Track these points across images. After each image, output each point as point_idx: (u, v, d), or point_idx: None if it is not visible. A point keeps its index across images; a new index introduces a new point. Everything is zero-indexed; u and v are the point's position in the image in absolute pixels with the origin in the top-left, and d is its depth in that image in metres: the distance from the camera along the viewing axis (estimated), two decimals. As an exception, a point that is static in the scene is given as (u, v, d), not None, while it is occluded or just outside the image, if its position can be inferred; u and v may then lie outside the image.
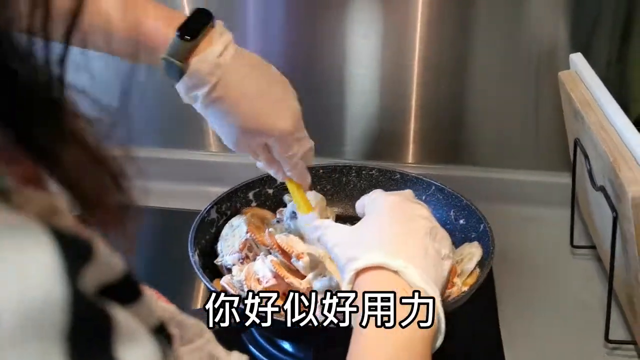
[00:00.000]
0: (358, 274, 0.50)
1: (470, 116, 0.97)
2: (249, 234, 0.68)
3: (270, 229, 0.69)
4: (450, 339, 0.51)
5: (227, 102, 0.60)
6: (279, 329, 0.63)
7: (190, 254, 0.68)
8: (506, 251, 0.82)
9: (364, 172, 0.88)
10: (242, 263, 0.65)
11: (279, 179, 0.70)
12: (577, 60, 0.81)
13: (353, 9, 0.92)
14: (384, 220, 0.54)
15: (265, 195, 0.84)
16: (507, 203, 0.93)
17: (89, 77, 0.28)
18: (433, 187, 0.83)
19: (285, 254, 0.64)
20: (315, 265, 0.64)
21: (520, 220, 0.91)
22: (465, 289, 0.66)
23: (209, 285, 0.63)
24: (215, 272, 0.73)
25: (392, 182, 0.87)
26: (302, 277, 0.65)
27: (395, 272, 0.49)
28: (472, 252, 0.72)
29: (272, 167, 0.68)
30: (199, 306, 0.78)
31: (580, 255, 0.85)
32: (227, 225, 0.75)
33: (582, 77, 0.78)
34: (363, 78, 0.96)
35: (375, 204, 0.57)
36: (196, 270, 0.66)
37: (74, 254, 0.23)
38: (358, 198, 0.87)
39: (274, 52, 0.97)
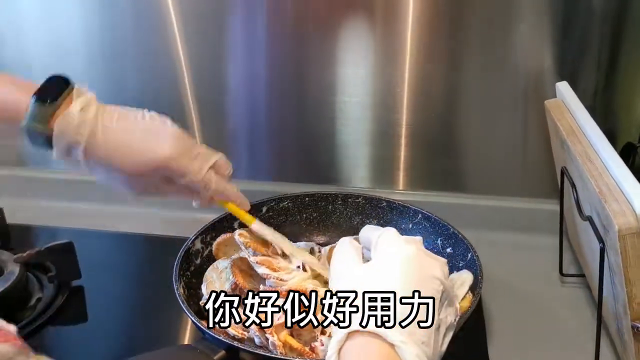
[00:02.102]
0: (351, 334, 0.46)
1: (459, 144, 0.97)
2: (236, 280, 0.67)
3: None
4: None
5: (104, 154, 0.61)
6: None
7: (175, 286, 0.67)
8: (495, 279, 0.81)
9: (350, 199, 0.88)
10: None
11: (205, 205, 0.69)
12: (563, 89, 0.81)
13: (343, 37, 0.92)
14: (395, 277, 0.48)
15: (252, 223, 0.84)
16: (496, 230, 0.93)
17: None
18: (420, 215, 0.83)
19: None
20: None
21: (509, 247, 0.91)
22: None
23: (194, 320, 0.62)
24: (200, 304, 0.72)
25: (378, 209, 0.87)
26: None
27: (392, 344, 0.44)
28: (464, 278, 0.71)
29: (188, 196, 0.68)
30: (186, 340, 0.77)
31: (570, 283, 0.85)
32: (210, 267, 0.74)
33: (568, 105, 0.79)
34: (352, 105, 0.97)
35: (387, 250, 0.51)
36: (181, 304, 0.65)
37: None
38: (344, 226, 0.88)
39: (262, 79, 0.98)
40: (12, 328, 0.36)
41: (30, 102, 0.58)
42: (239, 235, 0.72)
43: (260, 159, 1.02)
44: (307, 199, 0.87)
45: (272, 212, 0.86)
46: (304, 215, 0.86)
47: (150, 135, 0.62)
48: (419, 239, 0.53)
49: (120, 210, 1.04)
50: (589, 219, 0.66)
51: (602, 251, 0.63)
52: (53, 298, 0.81)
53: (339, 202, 0.87)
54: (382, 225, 0.84)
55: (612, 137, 0.74)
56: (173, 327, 0.79)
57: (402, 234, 0.82)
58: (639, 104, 0.88)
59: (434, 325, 0.47)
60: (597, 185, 0.62)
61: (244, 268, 0.68)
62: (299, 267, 0.68)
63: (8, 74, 0.63)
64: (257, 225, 0.71)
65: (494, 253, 0.81)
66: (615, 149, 0.67)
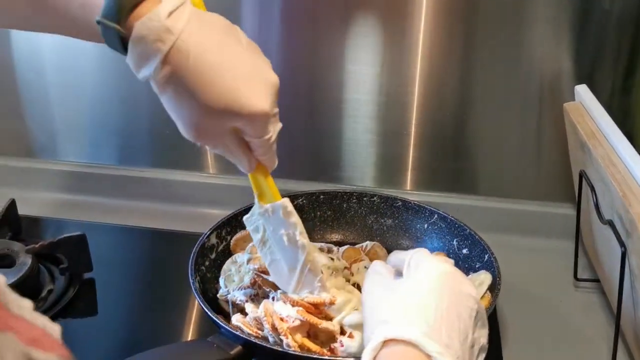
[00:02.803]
0: (386, 342, 0.45)
1: (471, 145, 0.97)
2: (255, 277, 0.67)
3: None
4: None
5: (186, 77, 0.49)
6: (277, 359, 0.61)
7: (191, 281, 0.67)
8: (508, 283, 0.80)
9: (365, 198, 0.87)
10: (252, 299, 0.64)
11: (246, 170, 0.60)
12: (583, 92, 0.81)
13: (353, 34, 0.91)
14: (432, 291, 0.48)
15: (266, 220, 0.83)
16: (507, 233, 0.92)
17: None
18: (436, 216, 0.83)
19: (313, 305, 0.63)
20: (345, 303, 0.63)
21: (522, 251, 0.90)
22: None
23: (211, 315, 0.61)
24: (214, 299, 0.71)
25: (393, 209, 0.86)
26: (330, 317, 0.64)
27: (428, 355, 0.44)
28: (482, 278, 0.72)
29: (239, 156, 0.57)
30: (190, 335, 0.76)
31: (584, 288, 0.84)
32: (229, 260, 0.74)
33: (588, 108, 0.78)
34: (362, 104, 0.96)
35: (422, 267, 0.51)
36: (197, 299, 0.64)
37: None
38: (358, 225, 0.88)
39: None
40: (56, 330, 0.32)
41: None
42: (248, 262, 0.70)
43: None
44: (322, 196, 0.87)
45: (286, 209, 0.85)
46: (318, 213, 0.86)
47: (252, 77, 0.52)
48: (451, 260, 0.54)
49: (131, 204, 1.04)
50: (610, 223, 0.66)
51: (624, 255, 0.62)
52: (64, 290, 0.80)
53: (354, 201, 0.87)
54: (398, 225, 0.85)
55: (630, 139, 0.73)
56: (185, 322, 0.78)
57: (417, 234, 0.84)
58: (656, 107, 0.88)
59: (468, 342, 0.46)
60: (621, 189, 0.62)
61: (263, 263, 0.68)
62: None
63: None
64: (287, 201, 0.62)
65: (507, 256, 0.80)
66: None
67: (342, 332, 0.62)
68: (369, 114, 0.97)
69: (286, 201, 0.61)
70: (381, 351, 0.45)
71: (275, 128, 0.57)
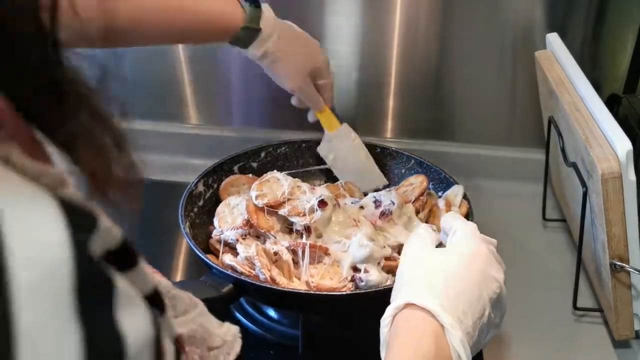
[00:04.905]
0: (408, 304, 0.50)
1: (448, 93, 1.00)
2: (249, 217, 0.71)
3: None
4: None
5: (285, 48, 0.79)
6: (267, 295, 0.65)
7: (182, 226, 0.70)
8: (482, 224, 0.84)
9: (346, 146, 0.90)
10: (244, 239, 0.67)
11: (319, 109, 0.86)
12: (553, 40, 0.84)
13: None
14: (461, 268, 0.52)
15: (250, 168, 0.86)
16: (483, 178, 0.97)
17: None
18: (412, 161, 0.86)
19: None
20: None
21: (496, 194, 0.95)
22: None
23: (202, 256, 0.65)
24: (203, 243, 0.75)
25: (372, 155, 0.89)
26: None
27: (442, 325, 0.48)
28: (456, 190, 0.80)
29: (315, 96, 0.85)
30: (179, 278, 0.80)
31: (552, 227, 0.89)
32: (222, 203, 0.77)
33: (557, 57, 0.81)
34: (343, 54, 0.98)
35: (462, 243, 0.55)
36: (188, 241, 0.67)
37: (81, 221, 0.25)
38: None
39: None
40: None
41: (248, 8, 0.75)
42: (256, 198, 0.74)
43: (255, 106, 1.04)
44: (303, 145, 0.90)
45: (270, 157, 0.88)
46: (301, 161, 0.89)
47: (315, 44, 0.84)
48: (494, 241, 0.58)
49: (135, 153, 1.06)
50: (574, 165, 0.70)
51: (585, 194, 0.67)
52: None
53: (335, 148, 0.90)
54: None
55: (598, 87, 0.76)
56: (175, 268, 0.82)
57: (395, 178, 0.87)
58: (623, 56, 0.91)
59: (482, 321, 0.50)
60: (584, 133, 0.66)
61: (259, 207, 0.71)
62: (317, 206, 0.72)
63: None
64: (346, 125, 0.90)
65: (481, 199, 0.85)
66: (601, 98, 0.70)
67: (356, 270, 0.67)
68: (349, 64, 0.99)
69: (345, 125, 0.89)
70: (402, 311, 0.50)
71: (331, 74, 0.87)
